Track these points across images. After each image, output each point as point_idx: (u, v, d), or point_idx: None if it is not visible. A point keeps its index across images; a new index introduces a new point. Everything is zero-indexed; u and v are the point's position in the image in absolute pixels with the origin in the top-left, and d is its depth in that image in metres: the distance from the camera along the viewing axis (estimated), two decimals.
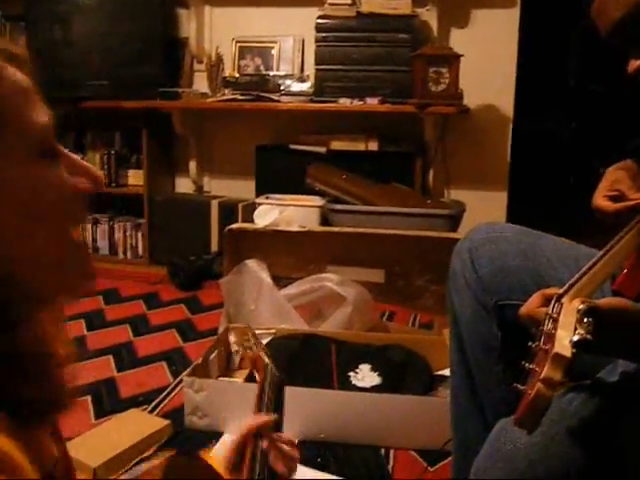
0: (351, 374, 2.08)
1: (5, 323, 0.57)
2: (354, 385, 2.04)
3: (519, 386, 0.86)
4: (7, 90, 0.59)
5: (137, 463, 1.80)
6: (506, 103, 3.30)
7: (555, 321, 0.88)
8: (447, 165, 3.38)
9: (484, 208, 3.28)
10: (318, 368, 2.12)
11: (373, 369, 2.10)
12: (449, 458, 1.74)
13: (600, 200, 1.31)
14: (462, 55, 3.01)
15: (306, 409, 1.90)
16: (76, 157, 0.65)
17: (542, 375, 0.83)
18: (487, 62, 3.27)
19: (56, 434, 0.68)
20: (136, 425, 1.95)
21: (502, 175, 3.37)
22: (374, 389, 2.00)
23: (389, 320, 2.76)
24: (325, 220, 2.99)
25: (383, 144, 3.24)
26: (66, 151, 0.64)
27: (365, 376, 2.07)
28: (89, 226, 3.77)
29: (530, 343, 0.90)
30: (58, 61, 3.50)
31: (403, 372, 2.07)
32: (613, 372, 1.07)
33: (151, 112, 3.52)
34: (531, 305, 0.99)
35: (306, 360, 2.14)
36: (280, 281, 2.42)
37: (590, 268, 1.03)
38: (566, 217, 3.51)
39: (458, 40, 3.30)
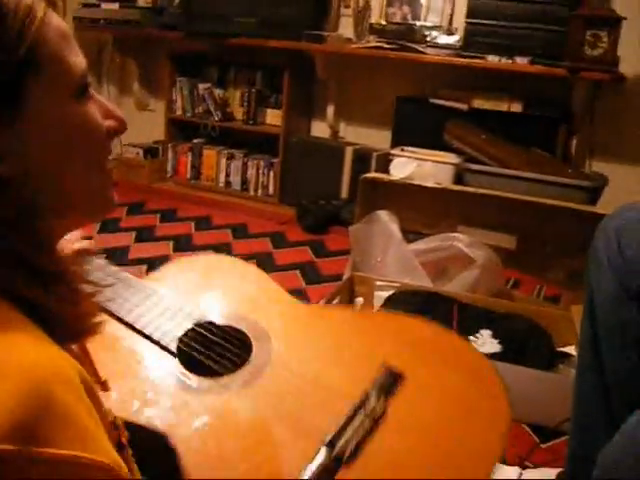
0: (471, 338, 2.06)
1: (36, 236, 0.62)
2: None
3: None
4: (52, 34, 0.63)
5: None
6: None
7: None
8: (593, 135, 3.23)
9: (627, 183, 3.12)
10: None
11: (494, 336, 2.07)
12: (562, 438, 1.71)
13: None
14: (625, 18, 2.84)
15: None
16: (104, 100, 0.71)
17: None
18: None
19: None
20: None
21: None
22: (493, 356, 1.97)
23: (514, 288, 2.71)
24: (459, 179, 2.95)
25: (527, 106, 3.13)
26: (97, 95, 0.70)
27: (485, 342, 2.05)
28: (224, 160, 3.87)
29: None
30: None
31: (525, 343, 2.03)
32: None
33: (295, 53, 3.54)
34: None
35: (427, 318, 2.13)
36: (409, 235, 2.41)
37: None
38: None
39: (622, 1, 3.10)
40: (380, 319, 1.29)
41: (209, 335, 0.98)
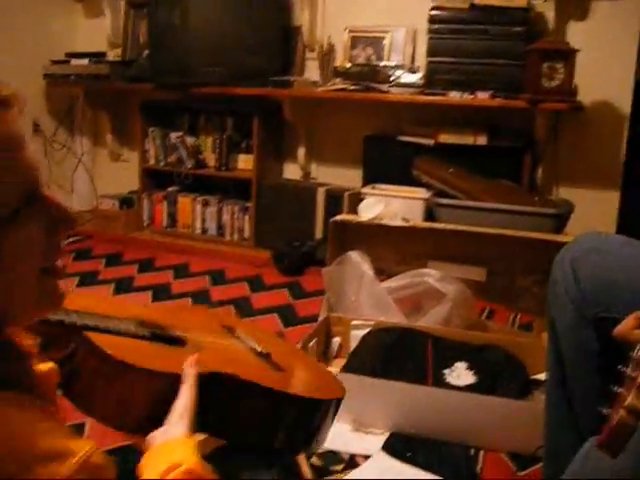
0: (446, 371, 2.10)
1: None
2: (448, 383, 2.05)
3: (604, 410, 0.87)
4: None
5: None
6: (623, 100, 3.19)
7: None
8: (557, 162, 3.31)
9: (594, 209, 3.20)
10: (414, 362, 2.14)
11: (469, 368, 2.11)
12: (540, 464, 1.74)
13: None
14: (579, 50, 2.93)
15: (399, 403, 1.93)
16: (57, 201, 0.70)
17: (626, 403, 0.83)
18: (605, 57, 3.16)
19: None
20: None
21: (615, 175, 3.27)
22: (468, 388, 2.01)
23: (488, 318, 2.75)
24: (430, 213, 3.00)
25: (491, 138, 3.20)
26: (48, 194, 0.69)
27: (460, 374, 2.08)
28: (199, 207, 3.91)
29: (620, 366, 0.89)
30: (176, 47, 3.64)
31: (499, 373, 2.07)
32: None
33: (263, 99, 3.61)
34: (625, 327, 0.98)
35: (402, 354, 2.17)
36: (381, 274, 2.45)
37: None
38: None
39: (575, 33, 3.21)
40: None
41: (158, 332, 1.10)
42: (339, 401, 1.23)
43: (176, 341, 1.09)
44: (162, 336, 1.08)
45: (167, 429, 0.90)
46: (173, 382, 0.96)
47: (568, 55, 2.92)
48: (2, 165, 0.62)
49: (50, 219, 0.68)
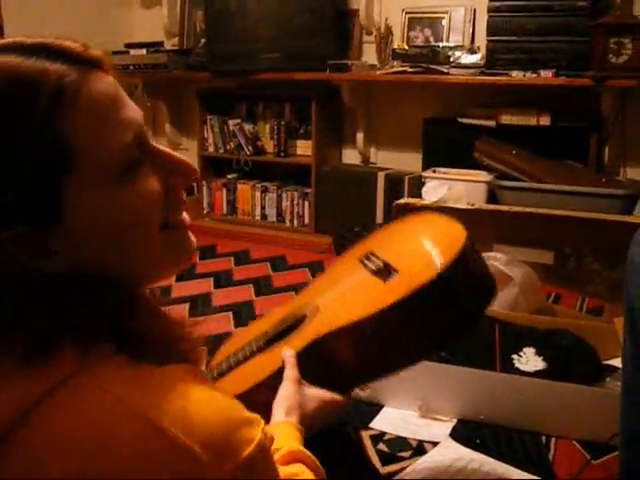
0: (514, 357, 2.06)
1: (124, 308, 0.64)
2: (517, 368, 2.01)
3: None
4: (82, 118, 0.60)
5: None
6: None
7: None
8: (625, 142, 3.20)
9: None
10: (481, 348, 2.10)
11: (538, 353, 2.06)
12: (614, 453, 1.69)
13: None
14: None
15: (467, 389, 1.90)
16: (169, 152, 0.69)
17: None
18: None
19: None
20: None
21: None
22: (538, 374, 1.96)
23: (555, 303, 2.69)
24: (492, 196, 2.95)
25: (556, 119, 3.12)
26: (159, 147, 0.69)
27: (529, 360, 2.04)
28: (258, 193, 3.93)
29: None
30: (233, 33, 3.64)
31: (569, 359, 2.02)
32: None
33: (321, 84, 3.59)
34: None
35: (469, 339, 2.13)
36: None
37: None
38: None
39: None
40: None
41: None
42: (468, 242, 1.14)
43: (290, 329, 1.14)
44: (275, 336, 1.15)
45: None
46: (276, 378, 1.03)
47: (636, 29, 2.82)
48: (107, 120, 0.62)
49: (165, 171, 0.68)
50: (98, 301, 0.61)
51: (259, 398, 1.01)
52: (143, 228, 0.66)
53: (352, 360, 1.09)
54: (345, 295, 1.19)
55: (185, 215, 0.73)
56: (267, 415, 0.98)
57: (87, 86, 0.61)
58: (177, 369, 0.63)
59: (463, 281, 1.10)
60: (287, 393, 1.06)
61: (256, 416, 0.65)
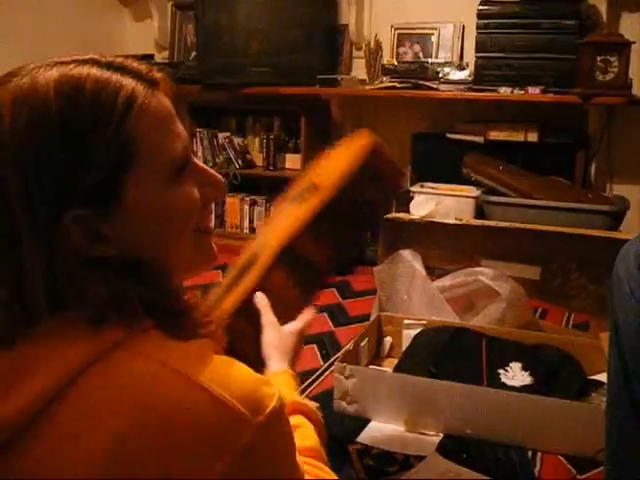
0: (501, 371, 2.07)
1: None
2: (504, 383, 2.02)
3: None
4: (149, 123, 0.70)
5: None
6: None
7: None
8: (611, 158, 3.24)
9: None
10: (468, 363, 2.11)
11: (524, 368, 2.07)
12: (600, 468, 1.69)
13: None
14: (633, 42, 2.87)
15: (453, 404, 1.90)
16: (204, 167, 0.80)
17: None
18: None
19: None
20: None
21: None
22: (524, 389, 1.97)
23: (542, 318, 2.70)
24: (480, 211, 2.96)
25: (543, 135, 3.15)
26: (197, 162, 0.79)
27: (515, 375, 2.05)
28: (247, 207, 3.93)
29: None
30: (223, 47, 3.65)
31: (555, 374, 2.03)
32: None
33: (310, 98, 3.60)
34: None
35: (456, 353, 2.14)
36: (433, 272, 2.43)
37: None
38: None
39: (629, 25, 3.13)
40: None
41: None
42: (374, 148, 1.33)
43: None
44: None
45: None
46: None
47: (622, 48, 2.85)
48: (166, 130, 0.72)
49: (202, 183, 0.77)
50: (143, 283, 0.71)
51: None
52: (183, 227, 0.76)
53: (314, 252, 1.26)
54: (279, 223, 1.35)
55: (211, 224, 0.81)
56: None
57: (151, 100, 0.71)
58: (205, 342, 0.72)
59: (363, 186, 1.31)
60: (272, 340, 1.15)
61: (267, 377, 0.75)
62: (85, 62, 0.70)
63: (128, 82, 0.70)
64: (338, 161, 1.42)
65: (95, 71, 0.69)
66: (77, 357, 0.66)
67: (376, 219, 1.41)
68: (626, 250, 1.43)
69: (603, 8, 3.13)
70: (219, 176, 0.81)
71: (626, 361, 1.41)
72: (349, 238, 1.36)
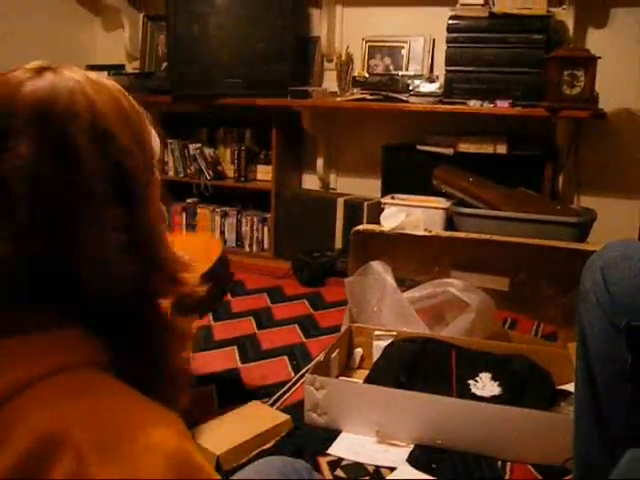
0: (470, 382, 2.08)
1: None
2: (473, 394, 2.03)
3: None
4: (144, 121, 0.77)
5: (257, 454, 1.86)
6: None
7: None
8: (578, 171, 3.28)
9: (616, 217, 3.17)
10: (437, 373, 2.12)
11: (493, 378, 2.08)
12: (569, 476, 1.71)
13: None
14: (599, 57, 2.91)
15: (424, 415, 1.91)
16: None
17: None
18: (626, 64, 3.14)
19: None
20: (257, 417, 2.03)
21: (637, 183, 3.24)
22: (494, 399, 1.98)
23: (511, 329, 2.73)
24: (450, 222, 2.99)
25: (512, 147, 3.19)
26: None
27: (485, 385, 2.06)
28: (218, 218, 3.92)
29: None
30: (195, 58, 3.65)
31: (524, 384, 2.05)
32: None
33: (281, 110, 3.61)
34: None
35: (426, 364, 2.15)
36: (403, 283, 2.44)
37: None
38: None
39: (595, 41, 3.19)
40: None
41: None
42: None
43: None
44: None
45: None
46: None
47: (589, 63, 2.89)
48: (144, 133, 0.76)
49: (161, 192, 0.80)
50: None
51: None
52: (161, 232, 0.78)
53: None
54: None
55: None
56: None
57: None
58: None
59: None
60: None
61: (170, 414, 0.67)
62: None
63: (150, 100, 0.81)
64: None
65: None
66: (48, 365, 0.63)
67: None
68: (592, 261, 1.45)
69: (570, 23, 3.18)
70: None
71: (593, 371, 1.43)
72: None
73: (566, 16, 3.18)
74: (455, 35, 3.20)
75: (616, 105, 3.18)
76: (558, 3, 3.15)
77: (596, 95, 3.02)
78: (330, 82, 3.69)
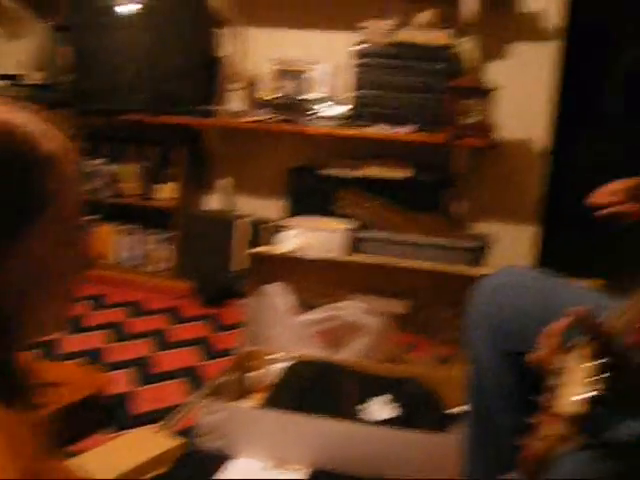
0: (366, 405, 2.08)
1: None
2: (368, 417, 2.03)
3: (521, 440, 0.86)
4: (55, 184, 0.71)
5: None
6: (541, 136, 3.28)
7: (563, 375, 0.86)
8: (477, 197, 3.37)
9: (513, 242, 3.27)
10: (334, 397, 2.12)
11: (388, 402, 2.09)
12: None
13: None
14: (496, 88, 3.01)
15: (319, 438, 1.90)
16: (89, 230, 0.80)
17: (542, 433, 0.82)
18: (524, 95, 3.25)
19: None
20: (150, 442, 1.97)
21: (532, 210, 3.35)
22: (388, 422, 1.99)
23: (410, 351, 2.75)
24: (352, 245, 3.00)
25: (415, 172, 3.24)
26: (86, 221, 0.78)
27: (380, 408, 2.06)
28: (119, 237, 3.82)
29: (534, 396, 0.89)
30: (100, 71, 3.56)
31: (417, 407, 2.06)
32: (623, 431, 1.06)
33: (186, 128, 3.56)
34: (541, 351, 0.97)
35: (322, 388, 2.14)
36: (302, 306, 2.42)
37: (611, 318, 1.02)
38: (603, 251, 3.47)
39: (496, 71, 3.29)
40: None
41: None
42: None
43: None
44: None
45: None
46: None
47: (485, 93, 2.98)
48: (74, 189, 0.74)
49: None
50: None
51: None
52: (54, 288, 0.75)
53: None
54: None
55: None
56: None
57: (63, 159, 0.77)
58: None
59: None
60: None
61: None
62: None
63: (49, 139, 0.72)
64: None
65: (20, 120, 0.71)
66: None
67: None
68: (478, 289, 1.48)
69: (472, 54, 3.27)
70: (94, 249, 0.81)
71: (481, 395, 1.45)
72: None
73: (469, 47, 3.27)
74: (362, 60, 3.24)
75: (513, 135, 3.29)
76: (462, 35, 3.24)
77: (493, 124, 3.11)
78: (236, 102, 3.66)
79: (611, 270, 2.26)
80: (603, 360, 0.84)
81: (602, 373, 0.82)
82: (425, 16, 3.20)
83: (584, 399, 0.79)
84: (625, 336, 1.15)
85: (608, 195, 1.36)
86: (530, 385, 1.22)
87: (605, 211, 1.35)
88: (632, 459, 0.99)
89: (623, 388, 0.86)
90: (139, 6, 3.47)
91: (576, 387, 0.82)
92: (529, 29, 3.24)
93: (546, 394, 0.86)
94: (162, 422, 2.15)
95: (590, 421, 0.80)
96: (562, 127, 3.33)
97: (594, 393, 0.79)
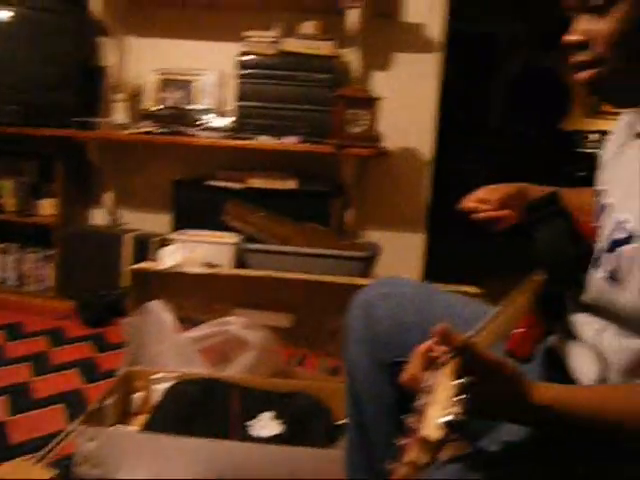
0: (252, 422, 2.04)
1: None
2: (254, 434, 1.99)
3: (389, 464, 0.84)
4: None
5: None
6: (425, 146, 3.34)
7: (429, 394, 0.85)
8: (364, 206, 3.40)
9: (400, 251, 3.31)
10: (219, 415, 2.06)
11: (275, 417, 2.06)
12: None
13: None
14: (380, 98, 3.03)
15: (203, 459, 1.83)
16: None
17: (406, 457, 0.80)
18: (408, 105, 3.31)
19: None
20: (20, 476, 1.86)
21: (420, 217, 3.40)
22: (275, 439, 1.95)
23: (299, 365, 2.73)
24: (239, 258, 2.95)
25: (301, 183, 3.23)
26: None
27: (266, 425, 2.02)
28: None
29: (404, 416, 0.87)
30: None
31: (305, 421, 2.04)
32: (495, 441, 1.06)
33: (67, 141, 3.42)
34: (411, 370, 0.96)
35: (207, 407, 2.09)
36: (187, 323, 2.36)
37: (478, 331, 1.02)
38: (486, 257, 3.56)
39: (380, 82, 3.33)
40: None
41: None
42: None
43: None
44: None
45: None
46: None
47: (371, 103, 3.00)
48: None
49: None
50: None
51: None
52: None
53: None
54: None
55: None
56: None
57: None
58: None
59: None
60: None
61: None
62: None
63: None
64: None
65: None
66: None
67: None
68: (356, 300, 1.47)
69: (356, 65, 3.29)
70: None
71: (360, 406, 1.44)
72: None
73: (352, 58, 3.30)
74: (246, 71, 3.22)
75: (399, 143, 3.33)
76: (345, 45, 3.26)
77: (379, 134, 3.14)
78: (119, 114, 3.56)
79: (488, 277, 2.32)
80: (462, 380, 0.83)
81: (461, 394, 0.80)
82: (309, 27, 3.21)
83: (441, 424, 0.77)
84: (503, 344, 1.16)
85: (475, 201, 1.38)
86: (407, 398, 1.22)
87: (480, 215, 1.36)
88: (498, 469, 1.00)
89: (478, 411, 0.86)
90: (11, 14, 3.32)
91: (438, 409, 0.80)
92: (412, 40, 3.30)
93: (414, 414, 0.84)
94: (39, 452, 2.04)
95: (457, 432, 0.79)
96: (444, 136, 3.40)
97: (450, 417, 0.77)
